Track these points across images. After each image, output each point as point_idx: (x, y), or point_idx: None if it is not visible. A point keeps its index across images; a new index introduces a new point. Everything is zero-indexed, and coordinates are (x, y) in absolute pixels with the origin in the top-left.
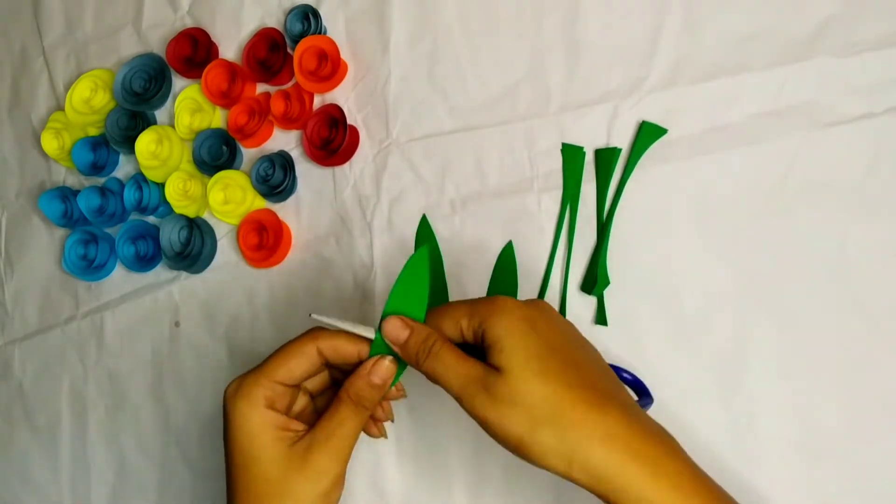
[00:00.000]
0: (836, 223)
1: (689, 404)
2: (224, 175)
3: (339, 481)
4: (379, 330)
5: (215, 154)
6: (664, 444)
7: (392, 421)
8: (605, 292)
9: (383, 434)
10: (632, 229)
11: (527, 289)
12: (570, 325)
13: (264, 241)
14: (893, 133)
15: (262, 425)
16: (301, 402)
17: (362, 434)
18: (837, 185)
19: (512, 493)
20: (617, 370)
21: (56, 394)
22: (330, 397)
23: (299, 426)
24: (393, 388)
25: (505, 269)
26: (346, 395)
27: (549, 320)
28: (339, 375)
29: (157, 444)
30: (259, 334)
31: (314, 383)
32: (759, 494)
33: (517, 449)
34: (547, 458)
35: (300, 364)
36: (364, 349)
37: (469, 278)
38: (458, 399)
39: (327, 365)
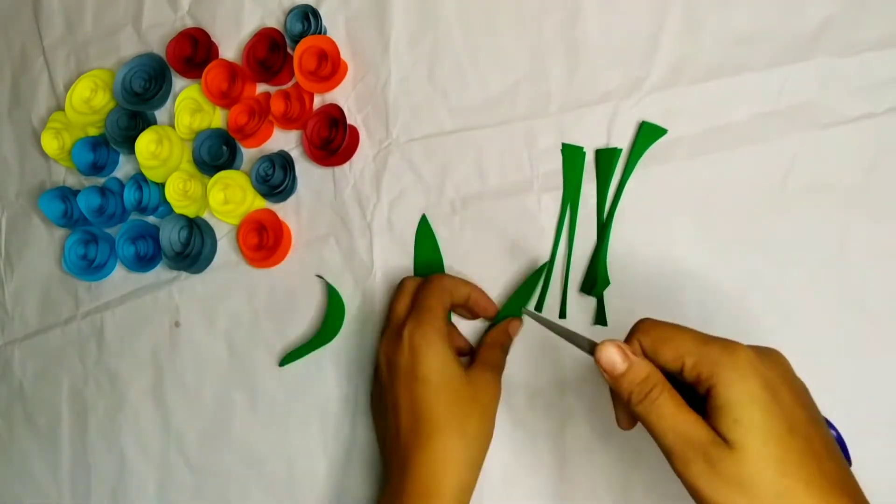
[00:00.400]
0: (836, 223)
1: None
2: (224, 175)
3: (494, 413)
4: (592, 353)
5: (215, 154)
6: None
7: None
8: (605, 292)
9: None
10: (632, 229)
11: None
12: (803, 386)
13: (264, 241)
14: (893, 133)
15: (448, 352)
16: (462, 342)
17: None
18: (837, 185)
19: (512, 496)
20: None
21: (56, 394)
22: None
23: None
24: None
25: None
26: (492, 340)
27: (789, 387)
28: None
29: (157, 444)
30: (259, 334)
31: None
32: None
33: None
34: None
35: (449, 300)
36: (473, 293)
37: (469, 278)
38: (668, 458)
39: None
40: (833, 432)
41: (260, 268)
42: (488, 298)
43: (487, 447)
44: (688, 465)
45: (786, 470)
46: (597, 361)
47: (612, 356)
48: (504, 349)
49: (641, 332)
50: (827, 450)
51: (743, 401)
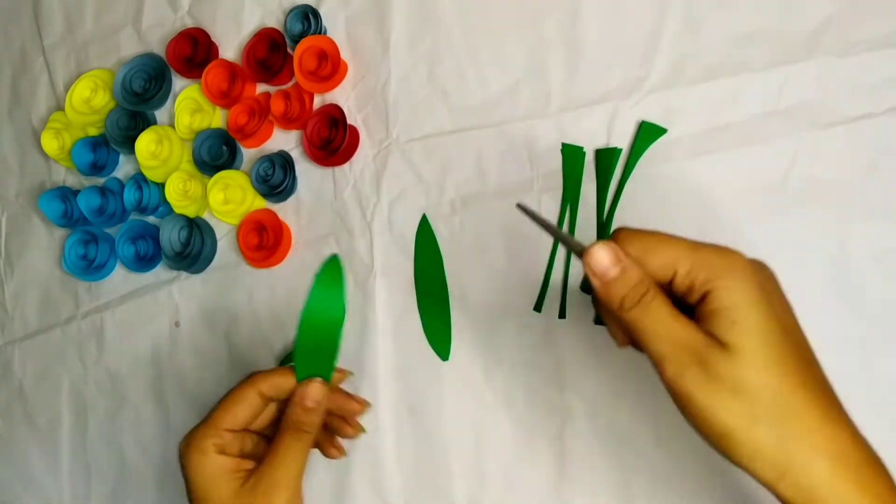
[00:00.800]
0: (836, 223)
1: None
2: (224, 175)
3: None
4: (582, 257)
5: (215, 154)
6: (887, 478)
7: (351, 436)
8: None
9: (342, 453)
10: None
11: (527, 288)
12: (787, 297)
13: (264, 241)
14: (893, 133)
15: (214, 471)
16: (253, 441)
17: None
18: (837, 185)
19: (512, 494)
20: None
21: (56, 394)
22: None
23: (250, 465)
24: (352, 418)
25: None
26: (286, 425)
27: (781, 294)
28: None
29: (157, 444)
30: (259, 334)
31: (264, 420)
32: (756, 496)
33: (721, 441)
34: (756, 461)
35: (244, 409)
36: (293, 379)
37: (469, 278)
38: (660, 366)
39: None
40: None
41: (260, 268)
42: (281, 374)
43: None
44: (682, 372)
45: (784, 371)
46: (585, 265)
47: (603, 259)
48: (300, 432)
49: (625, 242)
50: (815, 356)
51: (741, 304)
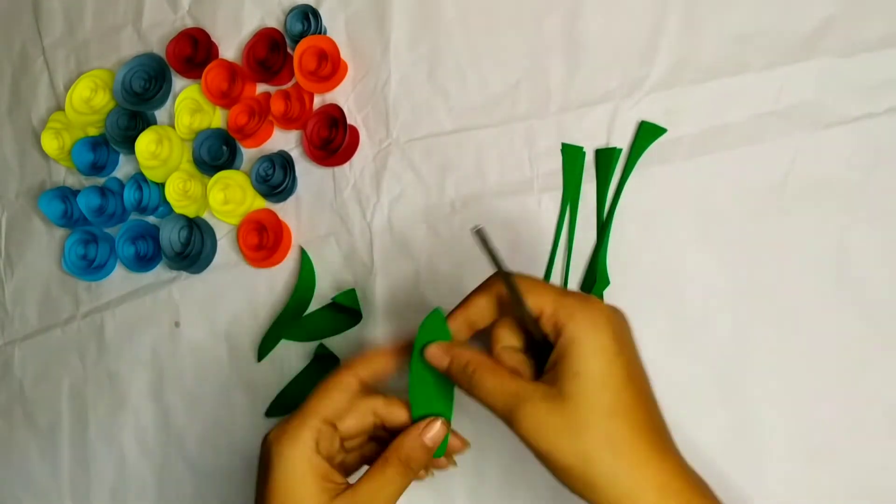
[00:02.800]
0: (836, 223)
1: (688, 404)
2: (224, 175)
3: None
4: (421, 351)
5: (215, 154)
6: (710, 501)
7: (444, 467)
8: (605, 292)
9: (429, 474)
10: (632, 229)
11: None
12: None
13: (264, 241)
14: (893, 133)
15: (306, 470)
16: (340, 446)
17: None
18: (837, 185)
19: (512, 495)
20: None
21: (56, 394)
22: (372, 451)
23: (340, 479)
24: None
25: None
26: (395, 456)
27: (631, 341)
28: (379, 426)
29: (157, 444)
30: (259, 334)
31: (356, 425)
32: (759, 494)
33: (561, 476)
34: (593, 493)
35: (341, 394)
36: (391, 362)
37: (470, 279)
38: (500, 416)
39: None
40: None
41: (260, 268)
42: (400, 406)
43: None
44: (520, 421)
45: (616, 416)
46: (427, 359)
47: (435, 355)
48: (408, 467)
49: (516, 282)
50: (655, 401)
51: (588, 351)
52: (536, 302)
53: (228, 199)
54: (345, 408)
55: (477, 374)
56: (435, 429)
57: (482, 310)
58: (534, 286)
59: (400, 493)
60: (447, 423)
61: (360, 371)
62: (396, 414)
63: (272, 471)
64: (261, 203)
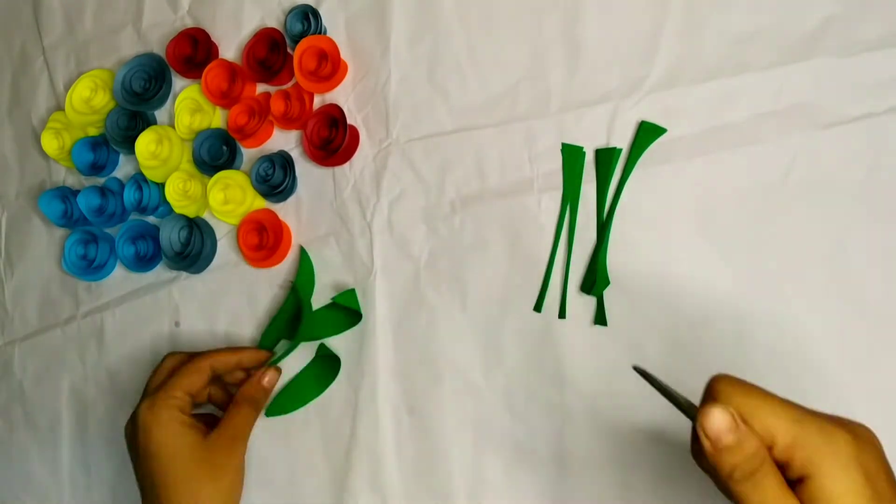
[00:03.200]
0: (837, 224)
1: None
2: (224, 175)
3: (238, 473)
4: (694, 418)
5: (215, 154)
6: None
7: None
8: (605, 292)
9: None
10: (632, 229)
11: (528, 289)
12: (891, 469)
13: (264, 240)
14: (893, 133)
15: (177, 426)
16: (189, 406)
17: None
18: (837, 185)
19: (512, 496)
20: None
21: (56, 394)
22: (217, 394)
23: (203, 426)
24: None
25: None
26: (243, 397)
27: (886, 475)
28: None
29: None
30: (259, 334)
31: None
32: None
33: None
34: None
35: (200, 378)
36: (243, 357)
37: (470, 279)
38: None
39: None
40: None
41: (260, 268)
42: (250, 354)
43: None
44: None
45: None
46: (700, 428)
47: (720, 423)
48: (255, 404)
49: (723, 396)
50: None
51: (844, 497)
52: (767, 427)
53: (228, 199)
54: (201, 384)
55: (766, 483)
56: (270, 374)
57: None
58: (761, 406)
59: (252, 424)
60: (278, 369)
61: (214, 360)
62: (227, 360)
63: (151, 431)
64: (261, 203)
